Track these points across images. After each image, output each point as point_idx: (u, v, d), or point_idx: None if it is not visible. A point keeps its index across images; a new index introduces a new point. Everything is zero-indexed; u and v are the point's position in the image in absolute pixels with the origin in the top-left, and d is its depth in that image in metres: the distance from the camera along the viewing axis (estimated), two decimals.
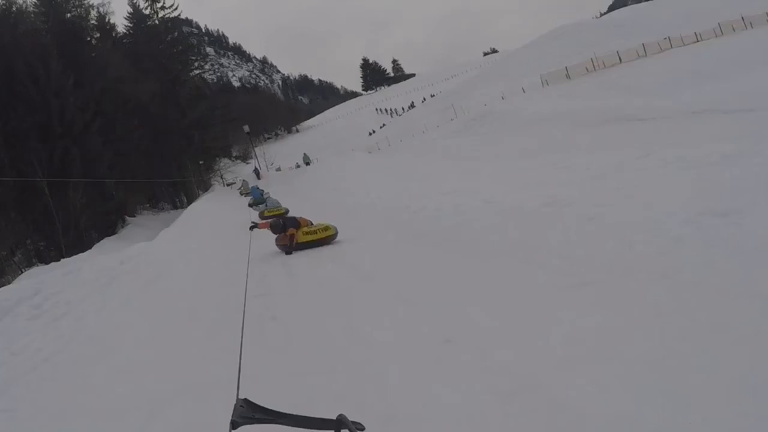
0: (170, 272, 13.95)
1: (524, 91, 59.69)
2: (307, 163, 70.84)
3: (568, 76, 59.39)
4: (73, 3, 54.42)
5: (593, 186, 11.70)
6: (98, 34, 58.17)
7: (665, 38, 59.58)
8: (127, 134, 47.99)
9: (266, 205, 28.66)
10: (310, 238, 13.79)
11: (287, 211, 25.20)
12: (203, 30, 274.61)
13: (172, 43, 70.79)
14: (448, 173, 23.87)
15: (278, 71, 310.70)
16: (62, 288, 11.90)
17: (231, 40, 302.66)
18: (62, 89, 39.41)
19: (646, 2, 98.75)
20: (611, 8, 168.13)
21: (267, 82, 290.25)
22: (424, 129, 64.35)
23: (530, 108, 44.87)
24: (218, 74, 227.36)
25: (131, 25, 69.82)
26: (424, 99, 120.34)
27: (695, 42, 57.38)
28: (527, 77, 67.34)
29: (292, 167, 77.15)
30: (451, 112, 68.09)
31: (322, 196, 30.40)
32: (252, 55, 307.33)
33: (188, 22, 79.74)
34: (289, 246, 13.72)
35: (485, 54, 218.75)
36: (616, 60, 59.48)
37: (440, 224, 12.63)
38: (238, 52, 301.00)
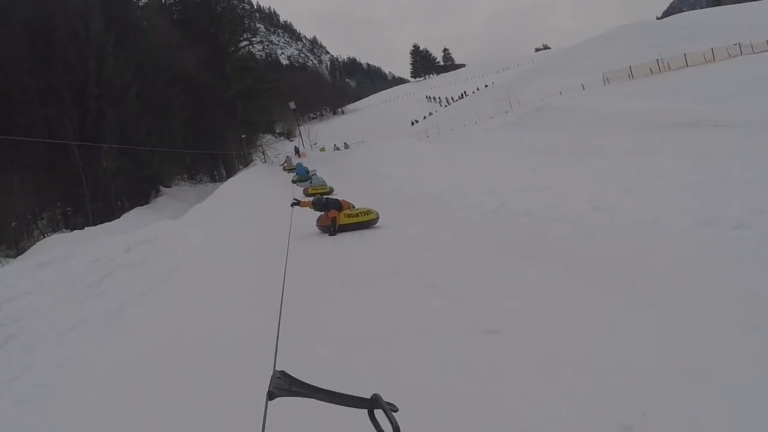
0: (188, 266, 11.70)
1: (584, 88, 57.38)
2: (347, 147, 69.56)
3: (631, 76, 56.52)
4: None
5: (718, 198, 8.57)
6: None
7: (735, 44, 56.23)
8: (167, 101, 46.07)
9: (311, 183, 27.96)
10: (351, 220, 13.62)
11: (332, 190, 24.70)
12: (254, 6, 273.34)
13: (222, 13, 68.12)
14: (516, 167, 20.89)
15: (327, 52, 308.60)
16: (28, 289, 8.37)
17: (282, 18, 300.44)
18: (102, 49, 37.55)
19: (710, 8, 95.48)
20: (666, 14, 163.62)
21: (315, 62, 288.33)
22: (476, 119, 62.08)
23: (591, 105, 42.44)
24: (267, 51, 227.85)
25: None
26: (477, 89, 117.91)
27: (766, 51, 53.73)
28: (586, 74, 64.83)
29: (339, 147, 75.11)
30: (505, 103, 66.29)
31: (371, 182, 26.98)
32: (302, 35, 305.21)
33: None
34: (331, 228, 13.56)
35: (537, 50, 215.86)
36: (683, 63, 55.99)
37: (536, 231, 9.75)
38: (289, 30, 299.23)
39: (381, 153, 39.07)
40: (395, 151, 37.55)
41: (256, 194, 28.68)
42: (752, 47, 55.06)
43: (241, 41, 72.23)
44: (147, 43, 46.01)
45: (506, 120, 50.45)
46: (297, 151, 68.25)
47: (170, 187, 48.77)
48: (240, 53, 71.74)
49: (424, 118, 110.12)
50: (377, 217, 13.67)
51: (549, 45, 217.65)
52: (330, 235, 13.38)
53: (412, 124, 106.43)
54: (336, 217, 13.55)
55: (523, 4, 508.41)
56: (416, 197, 18.13)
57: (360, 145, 66.91)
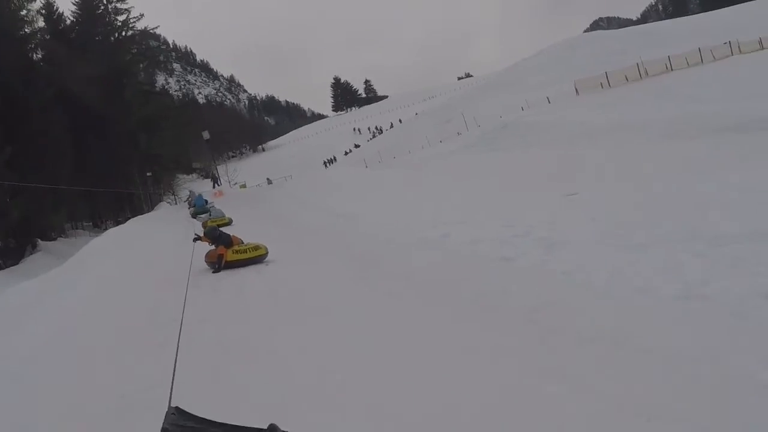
0: None
1: (550, 101, 53.27)
2: (269, 183, 66.40)
3: (607, 84, 51.02)
4: None
5: None
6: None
7: (725, 43, 51.31)
8: (42, 128, 35.88)
9: (210, 215, 26.82)
10: (239, 257, 13.39)
11: (231, 221, 24.52)
12: (170, 45, 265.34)
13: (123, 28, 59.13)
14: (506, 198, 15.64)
15: (245, 90, 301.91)
16: None
17: (199, 57, 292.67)
18: None
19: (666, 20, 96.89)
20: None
21: (233, 100, 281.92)
22: (423, 144, 58.23)
23: (573, 117, 37.21)
24: (184, 90, 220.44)
25: (79, 12, 58.80)
26: (416, 114, 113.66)
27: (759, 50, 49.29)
28: (547, 87, 61.90)
29: (260, 184, 66.89)
30: (452, 126, 62.60)
31: (301, 218, 22.07)
32: (219, 73, 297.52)
33: (155, 36, 72.96)
34: (217, 264, 13.38)
35: (459, 78, 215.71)
36: (663, 68, 49.67)
37: None
38: (206, 69, 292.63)
39: (313, 184, 33.84)
40: (341, 181, 31.32)
41: (142, 245, 21.96)
42: (740, 47, 50.95)
43: (144, 60, 62.56)
44: (16, 54, 36.37)
45: (463, 142, 45.94)
46: (215, 182, 59.44)
47: (54, 239, 39.50)
48: (142, 76, 62.73)
49: (357, 147, 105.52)
50: (266, 252, 13.49)
51: (471, 73, 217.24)
52: (214, 271, 13.25)
53: (346, 153, 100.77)
54: (223, 253, 13.39)
55: (442, 36, 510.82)
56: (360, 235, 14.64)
57: (287, 180, 61.55)
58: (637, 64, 50.89)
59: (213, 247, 13.66)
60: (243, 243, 13.92)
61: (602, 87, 50.45)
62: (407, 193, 21.08)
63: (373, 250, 12.18)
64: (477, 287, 7.89)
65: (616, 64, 55.27)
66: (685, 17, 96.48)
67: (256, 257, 13.34)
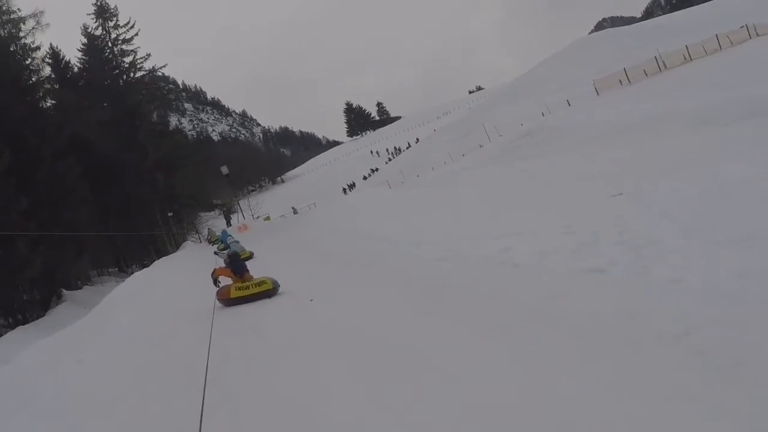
0: None
1: (570, 104, 52.58)
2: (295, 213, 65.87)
3: (627, 80, 49.78)
4: None
5: None
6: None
7: (742, 27, 50.25)
8: (58, 176, 35.23)
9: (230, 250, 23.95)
10: (241, 293, 12.95)
11: (252, 255, 24.31)
12: (180, 86, 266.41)
13: (131, 71, 58.85)
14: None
15: (258, 124, 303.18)
16: None
17: (210, 95, 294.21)
18: None
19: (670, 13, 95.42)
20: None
21: (247, 135, 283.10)
22: (446, 160, 56.16)
23: (600, 117, 36.40)
24: (198, 129, 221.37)
25: (86, 58, 58.21)
26: (434, 130, 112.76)
27: None
28: (565, 90, 61.97)
29: (285, 215, 65.97)
30: (472, 139, 62.37)
31: (333, 246, 20.47)
32: (231, 109, 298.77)
33: (164, 78, 72.61)
34: (224, 300, 13.11)
35: (470, 92, 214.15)
36: (681, 59, 49.01)
37: None
38: (217, 106, 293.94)
39: (340, 209, 31.24)
40: (369, 203, 28.86)
41: (168, 289, 20.90)
42: (756, 30, 50.07)
43: (154, 101, 62.17)
44: (24, 103, 36.43)
45: (487, 154, 45.53)
46: (228, 220, 58.68)
47: (80, 288, 38.50)
48: (154, 117, 62.29)
49: (375, 170, 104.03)
50: (273, 287, 12.84)
51: (482, 86, 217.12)
52: (225, 305, 12.97)
53: (365, 178, 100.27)
54: (221, 275, 13.64)
55: (445, 53, 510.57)
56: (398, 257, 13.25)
57: (312, 208, 62.10)
58: (655, 57, 49.93)
59: (230, 280, 13.55)
60: (252, 278, 13.60)
61: (622, 84, 49.66)
62: (443, 209, 19.52)
63: (426, 274, 10.53)
64: (590, 312, 5.99)
65: (632, 60, 54.46)
66: (697, 6, 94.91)
67: (260, 293, 12.87)
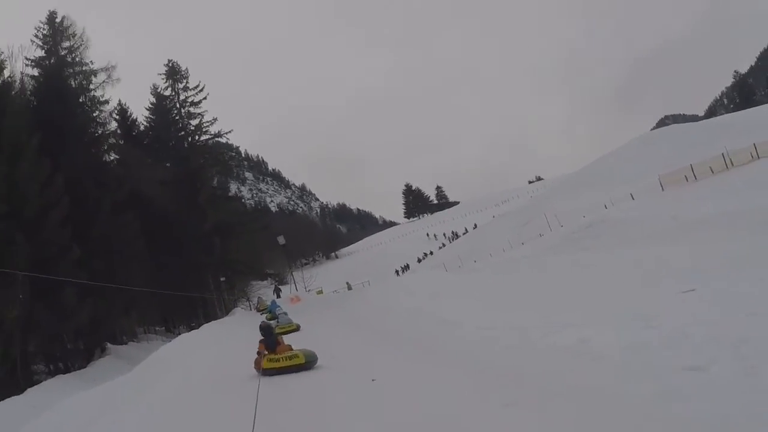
0: None
1: (633, 198, 52.32)
2: (349, 288, 64.76)
3: (693, 177, 49.55)
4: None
5: None
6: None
7: None
8: (114, 230, 35.44)
9: (278, 322, 26.72)
10: (273, 365, 13.14)
11: (299, 327, 25.18)
12: (243, 155, 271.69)
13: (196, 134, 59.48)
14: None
15: (316, 199, 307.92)
16: None
17: (270, 166, 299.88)
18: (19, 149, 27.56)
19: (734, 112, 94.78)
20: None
21: (305, 208, 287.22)
22: (505, 247, 54.86)
23: (665, 212, 35.65)
24: (256, 199, 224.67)
25: (153, 117, 59.26)
26: (494, 216, 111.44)
27: None
28: (629, 184, 60.97)
29: (337, 290, 66.31)
30: (531, 228, 62.04)
31: (390, 324, 19.12)
32: (291, 182, 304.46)
33: (228, 146, 74.39)
34: (258, 370, 13.12)
35: (530, 182, 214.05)
36: (749, 157, 48.29)
37: None
38: (277, 178, 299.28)
39: (406, 288, 27.87)
40: (425, 286, 26.98)
41: (216, 351, 21.23)
42: None
43: (217, 167, 62.60)
44: (88, 154, 36.91)
45: (547, 243, 45.04)
46: (278, 292, 58.58)
47: (125, 343, 38.27)
48: (215, 182, 62.75)
49: (431, 253, 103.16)
50: (307, 361, 13.01)
51: (542, 176, 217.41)
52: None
53: (419, 260, 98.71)
54: (260, 353, 13.56)
55: (509, 141, 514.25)
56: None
57: (365, 285, 59.51)
58: (723, 154, 49.27)
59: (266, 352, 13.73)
60: (291, 349, 13.90)
61: (687, 180, 49.17)
62: (504, 296, 18.79)
63: (496, 362, 9.75)
64: (710, 415, 5.24)
65: (697, 156, 53.66)
66: (765, 105, 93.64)
67: (291, 366, 13.05)
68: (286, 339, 17.00)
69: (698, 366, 6.54)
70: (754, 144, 48.07)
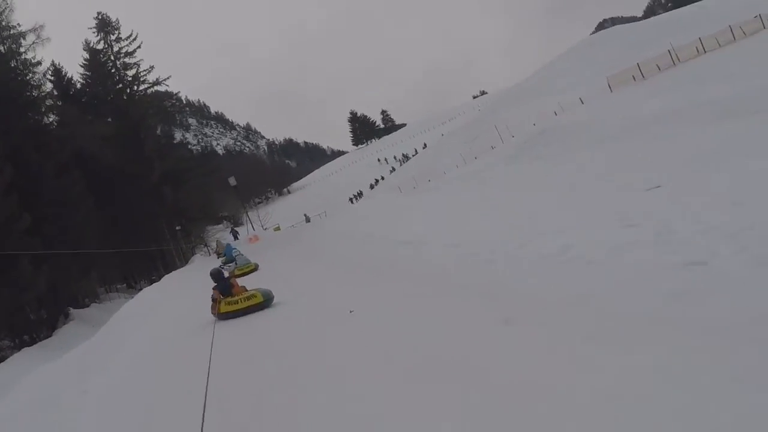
0: None
1: (583, 102, 51.92)
2: (308, 221, 64.37)
3: (641, 75, 49.24)
4: None
5: None
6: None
7: (755, 17, 48.80)
8: (61, 192, 34.30)
9: (235, 263, 26.49)
10: (230, 308, 12.75)
11: (257, 267, 24.74)
12: (184, 101, 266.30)
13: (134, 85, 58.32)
14: None
15: (263, 137, 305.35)
16: None
17: (213, 109, 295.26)
18: None
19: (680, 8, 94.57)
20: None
21: (252, 147, 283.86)
22: (458, 163, 57.00)
23: (616, 113, 35.62)
24: (203, 144, 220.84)
25: (88, 73, 57.97)
26: (443, 135, 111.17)
27: None
28: (576, 89, 60.65)
29: (295, 225, 65.51)
30: (482, 141, 60.52)
31: (354, 255, 17.78)
32: (235, 123, 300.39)
33: (168, 94, 71.82)
34: (216, 315, 12.96)
35: (474, 97, 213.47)
36: (695, 52, 48.14)
37: None
38: (221, 120, 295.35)
39: (363, 215, 27.84)
40: (387, 209, 26.98)
41: (179, 302, 20.52)
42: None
43: (159, 116, 61.98)
44: (25, 119, 36.05)
45: (501, 155, 44.87)
46: (235, 234, 57.76)
47: (87, 306, 37.67)
48: (159, 131, 61.98)
49: (382, 178, 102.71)
50: (264, 300, 12.51)
51: (486, 90, 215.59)
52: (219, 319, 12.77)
53: (371, 187, 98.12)
54: (217, 303, 13.04)
55: (448, 60, 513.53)
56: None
57: (323, 216, 60.97)
58: (668, 50, 49.09)
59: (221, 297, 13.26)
60: (245, 291, 13.39)
61: (635, 80, 48.89)
62: (465, 212, 17.92)
63: (478, 280, 8.82)
64: (727, 313, 4.55)
65: (642, 56, 53.29)
66: (702, 1, 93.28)
67: (249, 307, 12.54)
68: (246, 280, 16.96)
69: (698, 261, 6.04)
70: (700, 38, 48.01)
